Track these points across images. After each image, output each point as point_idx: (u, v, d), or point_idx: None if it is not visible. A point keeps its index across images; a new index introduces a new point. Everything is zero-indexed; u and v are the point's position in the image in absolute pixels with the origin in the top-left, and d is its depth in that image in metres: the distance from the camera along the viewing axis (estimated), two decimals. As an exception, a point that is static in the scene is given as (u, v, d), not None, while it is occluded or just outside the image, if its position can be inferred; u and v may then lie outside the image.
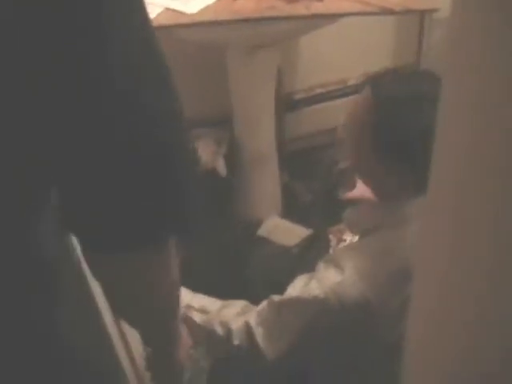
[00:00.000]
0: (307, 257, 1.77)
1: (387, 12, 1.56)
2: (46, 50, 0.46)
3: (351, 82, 2.26)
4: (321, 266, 1.18)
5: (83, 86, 0.48)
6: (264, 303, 1.20)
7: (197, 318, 1.24)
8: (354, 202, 1.41)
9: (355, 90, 2.21)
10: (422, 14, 2.04)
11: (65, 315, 0.66)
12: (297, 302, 1.15)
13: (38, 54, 0.46)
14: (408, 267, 1.06)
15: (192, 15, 1.42)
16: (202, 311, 1.25)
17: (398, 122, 1.10)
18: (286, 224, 2.00)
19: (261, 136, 1.95)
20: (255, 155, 1.94)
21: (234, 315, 1.22)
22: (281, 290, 1.20)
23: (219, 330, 1.21)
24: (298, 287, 1.17)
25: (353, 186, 1.49)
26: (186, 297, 1.27)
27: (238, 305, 1.25)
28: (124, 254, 0.58)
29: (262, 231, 1.94)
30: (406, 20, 2.16)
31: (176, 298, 0.77)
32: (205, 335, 1.24)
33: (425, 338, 0.59)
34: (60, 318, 0.65)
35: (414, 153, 1.05)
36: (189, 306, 1.26)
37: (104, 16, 0.47)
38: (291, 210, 2.10)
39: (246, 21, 1.45)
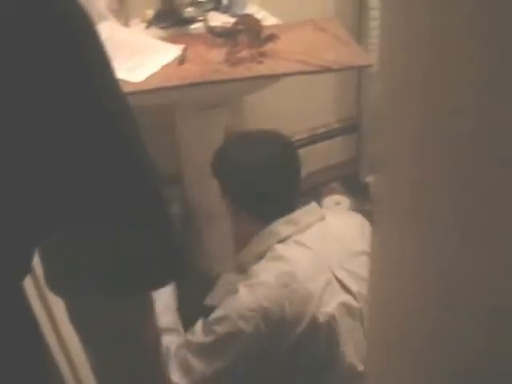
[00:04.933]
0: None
1: (325, 70, 1.66)
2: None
3: (296, 137, 2.34)
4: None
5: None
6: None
7: None
8: None
9: (300, 144, 2.30)
10: (359, 70, 2.15)
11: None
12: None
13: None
14: (291, 270, 1.31)
15: (139, 83, 1.48)
16: None
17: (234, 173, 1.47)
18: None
19: (211, 194, 2.00)
20: (207, 213, 1.98)
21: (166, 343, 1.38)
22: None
23: None
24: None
25: None
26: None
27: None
28: (107, 300, 0.62)
29: (212, 299, 1.89)
30: (345, 75, 2.27)
31: (159, 354, 0.76)
32: None
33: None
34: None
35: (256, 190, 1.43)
36: None
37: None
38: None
39: (192, 85, 1.52)
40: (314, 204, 1.50)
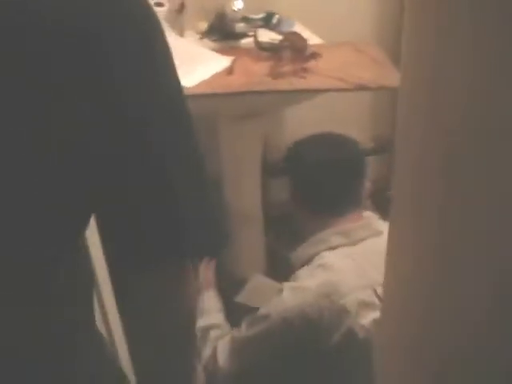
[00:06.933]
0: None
1: (362, 88, 1.76)
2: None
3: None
4: None
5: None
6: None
7: None
8: None
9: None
10: (395, 89, 2.24)
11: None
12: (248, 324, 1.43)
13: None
14: (335, 281, 1.36)
15: (189, 88, 1.60)
16: None
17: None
18: (268, 283, 2.07)
19: (247, 198, 2.11)
20: (241, 215, 2.08)
21: (214, 338, 1.46)
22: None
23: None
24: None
25: None
26: None
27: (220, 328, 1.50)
28: (150, 269, 0.66)
29: (242, 297, 1.95)
30: (380, 96, 2.36)
31: (193, 333, 0.78)
32: None
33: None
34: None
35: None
36: None
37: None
38: (275, 270, 2.21)
39: (236, 94, 1.63)
40: (373, 219, 1.57)
